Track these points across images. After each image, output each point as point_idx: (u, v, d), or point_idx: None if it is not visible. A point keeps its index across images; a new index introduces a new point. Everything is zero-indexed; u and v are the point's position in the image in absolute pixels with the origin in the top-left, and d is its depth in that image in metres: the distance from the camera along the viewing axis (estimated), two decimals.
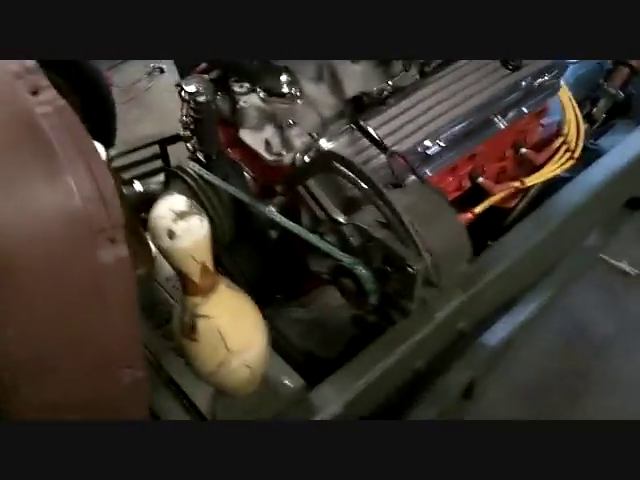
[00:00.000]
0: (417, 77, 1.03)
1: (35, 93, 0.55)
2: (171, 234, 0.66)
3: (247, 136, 0.99)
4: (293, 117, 0.95)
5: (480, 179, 1.09)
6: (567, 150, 1.19)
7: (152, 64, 2.78)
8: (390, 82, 0.92)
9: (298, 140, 0.93)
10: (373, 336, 1.08)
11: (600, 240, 1.56)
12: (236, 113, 1.00)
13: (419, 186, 0.80)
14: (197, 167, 0.95)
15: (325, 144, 0.88)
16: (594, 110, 1.28)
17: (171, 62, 2.65)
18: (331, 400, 0.99)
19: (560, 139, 1.18)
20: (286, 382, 0.99)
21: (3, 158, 0.52)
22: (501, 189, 1.11)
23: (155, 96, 2.79)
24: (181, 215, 0.66)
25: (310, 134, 0.93)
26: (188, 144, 1.06)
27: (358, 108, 0.93)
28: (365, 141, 0.87)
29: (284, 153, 0.94)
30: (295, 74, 0.98)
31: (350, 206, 0.89)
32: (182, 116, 1.10)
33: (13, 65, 0.56)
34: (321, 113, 0.99)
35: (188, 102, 0.97)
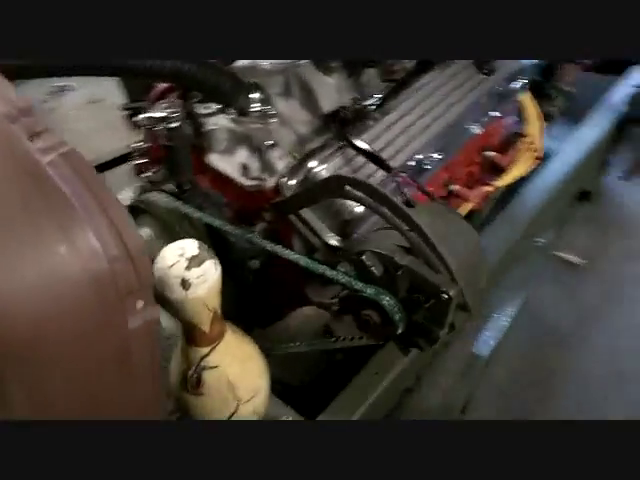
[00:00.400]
0: (388, 86, 1.01)
1: (34, 138, 0.48)
2: (185, 284, 0.60)
3: (218, 161, 0.93)
4: (269, 137, 0.91)
5: (454, 187, 1.09)
6: (531, 150, 1.22)
7: (57, 83, 2.62)
8: (378, 95, 0.89)
9: (280, 162, 0.89)
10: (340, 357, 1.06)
11: (553, 236, 1.61)
12: (203, 137, 0.94)
13: (431, 204, 0.78)
14: (167, 198, 0.89)
15: (316, 166, 0.84)
16: (551, 108, 1.32)
17: (82, 80, 2.51)
18: None
19: (524, 139, 1.20)
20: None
21: (12, 218, 0.44)
22: (476, 195, 1.11)
23: (61, 117, 2.64)
24: (193, 261, 0.60)
25: (293, 155, 0.89)
26: (148, 173, 0.99)
27: (339, 124, 0.90)
28: (360, 159, 0.84)
29: (265, 177, 0.89)
30: (266, 90, 0.93)
31: (344, 231, 0.86)
32: (137, 142, 1.03)
33: (2, 106, 0.49)
34: (296, 131, 0.94)
35: (149, 128, 0.91)
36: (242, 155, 0.92)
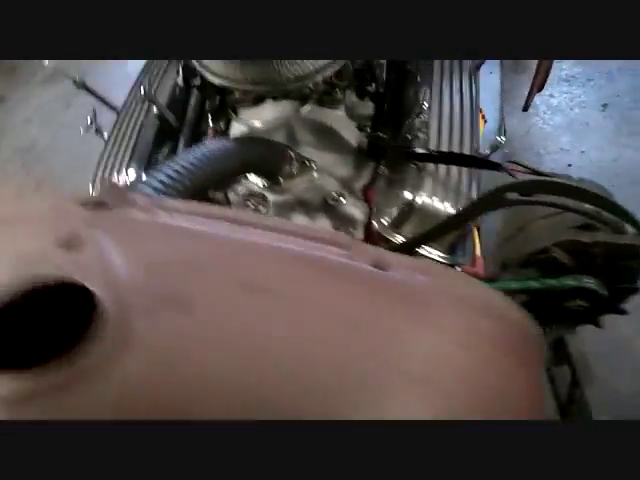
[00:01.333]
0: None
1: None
2: None
3: None
4: (326, 191, 0.87)
5: None
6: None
7: None
8: (421, 117, 0.89)
9: (356, 210, 0.86)
10: None
11: None
12: None
13: (564, 176, 0.81)
14: None
15: (414, 195, 0.81)
16: None
17: None
18: None
19: None
20: None
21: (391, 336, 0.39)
22: None
23: None
24: None
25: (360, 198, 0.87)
26: None
27: (390, 147, 0.88)
28: (441, 170, 0.82)
29: (349, 230, 0.85)
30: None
31: (449, 246, 0.85)
32: None
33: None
34: (332, 174, 0.91)
35: None
36: (302, 220, 0.88)
